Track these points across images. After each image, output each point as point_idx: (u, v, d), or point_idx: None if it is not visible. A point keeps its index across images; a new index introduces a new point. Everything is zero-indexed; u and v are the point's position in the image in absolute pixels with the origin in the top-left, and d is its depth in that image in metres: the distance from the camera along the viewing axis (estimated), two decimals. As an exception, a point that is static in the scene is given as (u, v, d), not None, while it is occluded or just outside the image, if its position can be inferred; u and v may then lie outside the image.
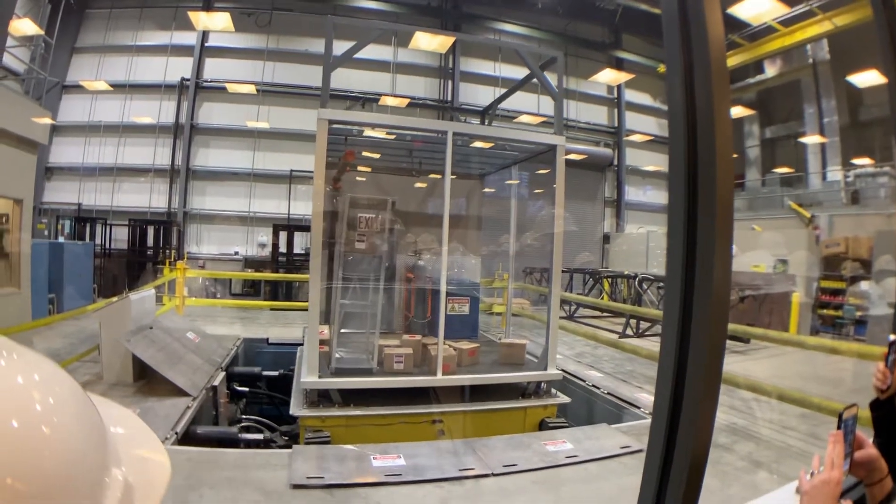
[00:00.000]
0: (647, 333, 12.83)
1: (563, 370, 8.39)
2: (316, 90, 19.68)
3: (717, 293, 1.50)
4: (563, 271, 9.10)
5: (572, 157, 21.53)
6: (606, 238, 25.65)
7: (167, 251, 19.50)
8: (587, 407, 8.46)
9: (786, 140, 24.30)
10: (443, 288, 7.35)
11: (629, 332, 12.96)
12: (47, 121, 11.68)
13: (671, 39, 1.58)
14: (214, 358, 8.73)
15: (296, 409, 6.83)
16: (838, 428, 1.61)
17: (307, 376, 6.77)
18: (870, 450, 1.71)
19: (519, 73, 16.24)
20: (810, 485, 1.54)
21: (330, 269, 7.74)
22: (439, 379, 7.24)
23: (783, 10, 15.61)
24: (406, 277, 9.65)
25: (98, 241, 18.75)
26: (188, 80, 21.50)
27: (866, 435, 1.76)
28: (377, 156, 10.24)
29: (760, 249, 17.94)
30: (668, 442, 1.57)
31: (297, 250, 19.45)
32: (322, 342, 7.06)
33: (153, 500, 0.86)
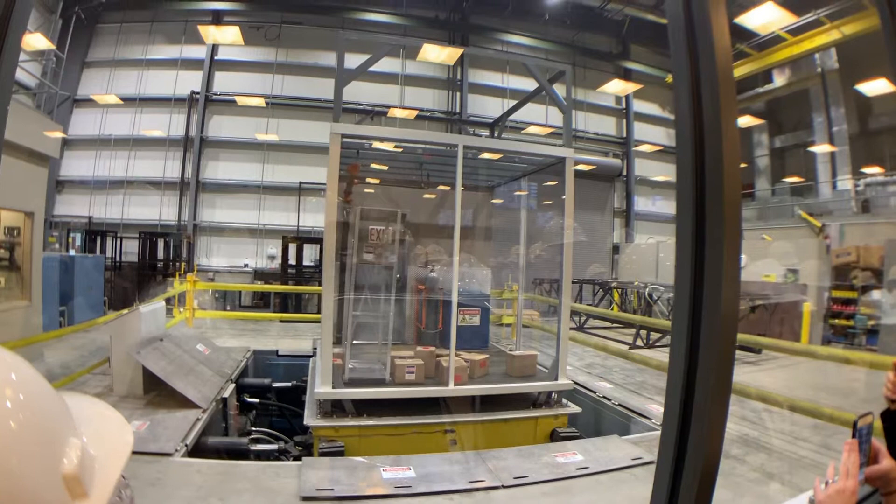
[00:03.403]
0: (657, 344, 12.78)
1: (573, 381, 8.37)
2: (325, 102, 19.90)
3: (726, 303, 1.50)
4: (572, 282, 9.08)
5: (581, 167, 21.55)
6: (616, 249, 25.60)
7: (177, 263, 19.59)
8: (598, 418, 8.44)
9: (795, 149, 24.22)
10: (454, 299, 7.36)
11: (639, 342, 12.91)
12: (58, 134, 11.78)
13: (678, 50, 1.59)
14: (224, 370, 8.74)
15: (309, 419, 6.84)
16: (853, 436, 1.60)
17: (321, 386, 6.78)
18: (886, 460, 1.69)
19: (527, 84, 16.30)
20: (825, 494, 1.53)
21: (341, 280, 7.76)
22: (451, 389, 7.25)
23: (791, 20, 15.56)
24: (417, 289, 9.65)
25: (109, 253, 18.83)
26: (198, 93, 21.67)
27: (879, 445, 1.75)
28: (387, 168, 10.27)
29: (771, 259, 17.88)
30: (678, 452, 1.57)
31: (306, 262, 19.50)
32: (335, 354, 7.07)
33: (114, 468, 0.92)
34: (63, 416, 0.90)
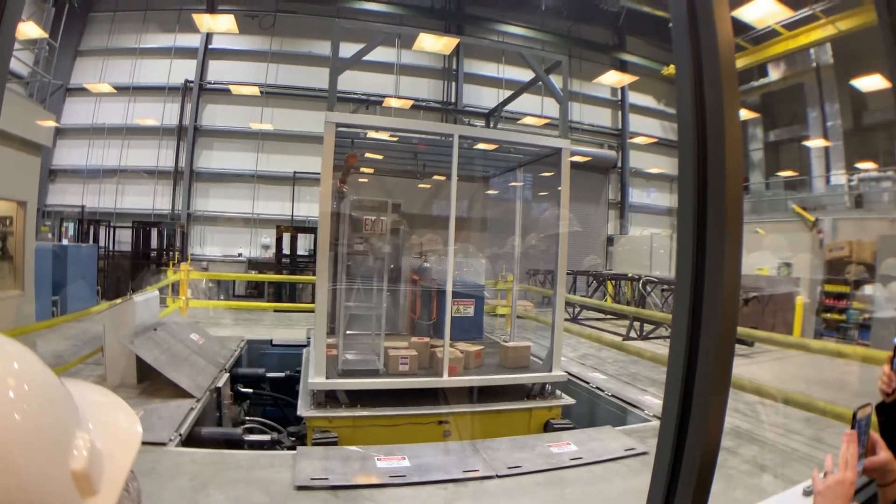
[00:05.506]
0: (651, 336, 12.81)
1: (567, 372, 8.38)
2: (319, 92, 19.86)
3: (726, 296, 1.50)
4: (566, 273, 9.10)
5: (576, 158, 21.46)
6: (610, 240, 25.63)
7: (171, 253, 19.53)
8: (591, 409, 8.46)
9: (789, 143, 24.28)
10: (449, 289, 7.34)
11: (633, 334, 12.94)
12: (51, 123, 11.69)
13: (680, 41, 1.58)
14: (218, 359, 8.73)
15: (303, 409, 6.83)
16: (852, 428, 1.60)
17: (315, 377, 6.77)
18: (883, 451, 1.70)
19: (522, 74, 16.26)
20: (824, 485, 1.53)
21: (335, 270, 7.74)
22: (445, 380, 7.26)
23: (787, 14, 15.59)
24: (411, 279, 9.65)
25: (102, 243, 18.78)
26: (192, 82, 21.57)
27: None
28: (381, 157, 10.24)
29: (764, 252, 17.95)
30: (677, 443, 1.57)
31: (300, 252, 19.48)
32: (329, 345, 7.07)
33: (123, 463, 0.89)
34: (69, 408, 0.86)
